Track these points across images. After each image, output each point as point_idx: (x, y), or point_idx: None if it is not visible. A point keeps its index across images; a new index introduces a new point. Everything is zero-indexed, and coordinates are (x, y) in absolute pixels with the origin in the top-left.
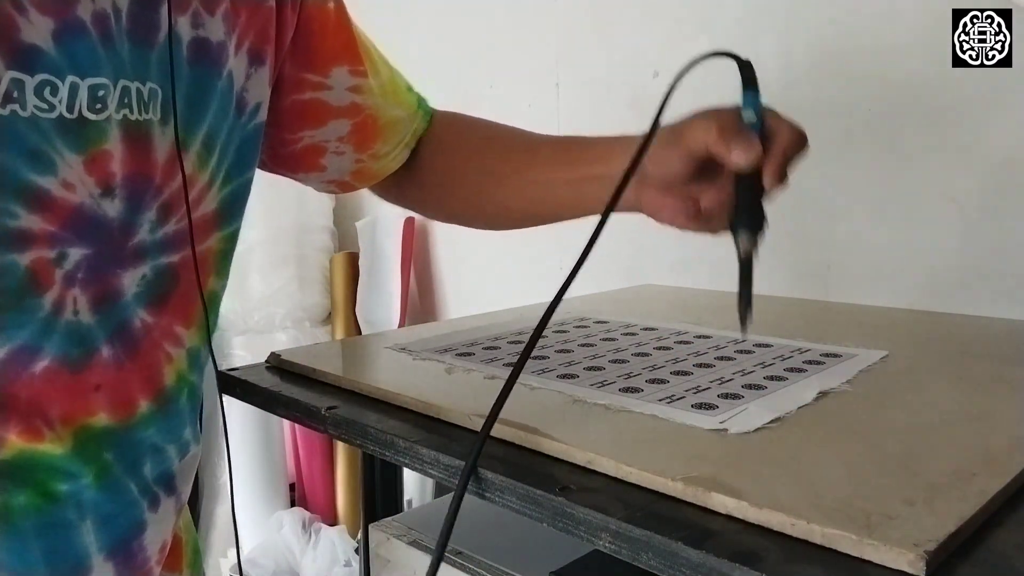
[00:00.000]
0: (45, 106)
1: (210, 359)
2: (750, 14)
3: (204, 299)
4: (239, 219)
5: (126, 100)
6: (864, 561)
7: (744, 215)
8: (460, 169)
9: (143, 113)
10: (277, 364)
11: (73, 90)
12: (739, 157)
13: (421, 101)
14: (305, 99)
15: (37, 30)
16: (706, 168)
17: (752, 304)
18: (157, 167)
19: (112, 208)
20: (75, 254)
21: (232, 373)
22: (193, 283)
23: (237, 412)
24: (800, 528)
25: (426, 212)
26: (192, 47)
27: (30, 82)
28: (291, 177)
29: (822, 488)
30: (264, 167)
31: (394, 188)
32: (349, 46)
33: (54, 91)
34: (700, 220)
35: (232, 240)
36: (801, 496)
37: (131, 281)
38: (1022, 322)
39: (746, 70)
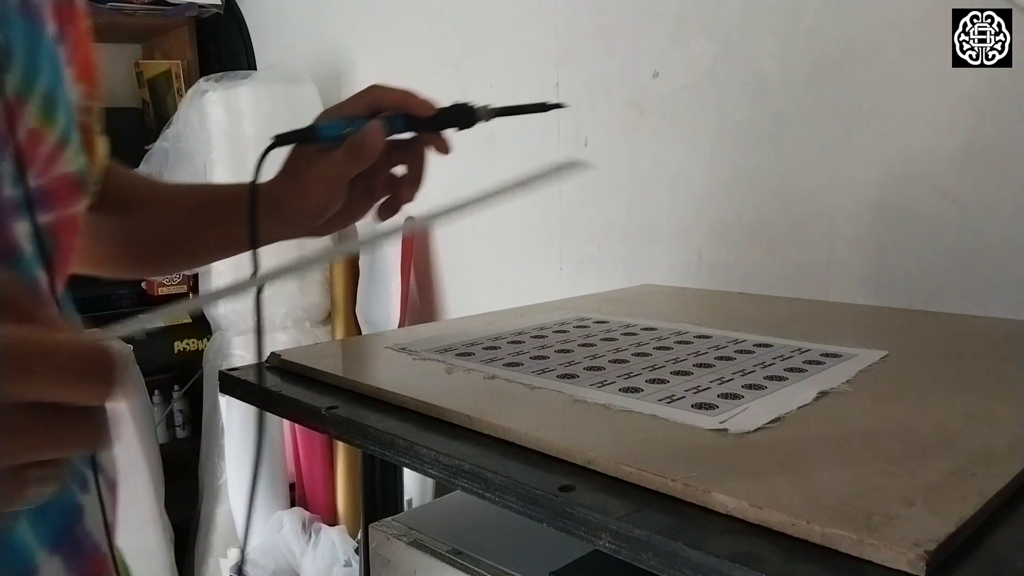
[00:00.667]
0: None
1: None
2: (750, 14)
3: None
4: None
5: None
6: (864, 561)
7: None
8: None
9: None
10: (277, 364)
11: None
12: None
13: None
14: None
15: None
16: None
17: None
18: (1, 116)
19: None
20: None
21: (232, 373)
22: (71, 247)
23: (237, 412)
24: (800, 528)
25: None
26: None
27: None
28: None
29: (822, 488)
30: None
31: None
32: (91, 68)
33: None
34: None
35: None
36: (801, 496)
37: (23, 235)
38: (1022, 322)
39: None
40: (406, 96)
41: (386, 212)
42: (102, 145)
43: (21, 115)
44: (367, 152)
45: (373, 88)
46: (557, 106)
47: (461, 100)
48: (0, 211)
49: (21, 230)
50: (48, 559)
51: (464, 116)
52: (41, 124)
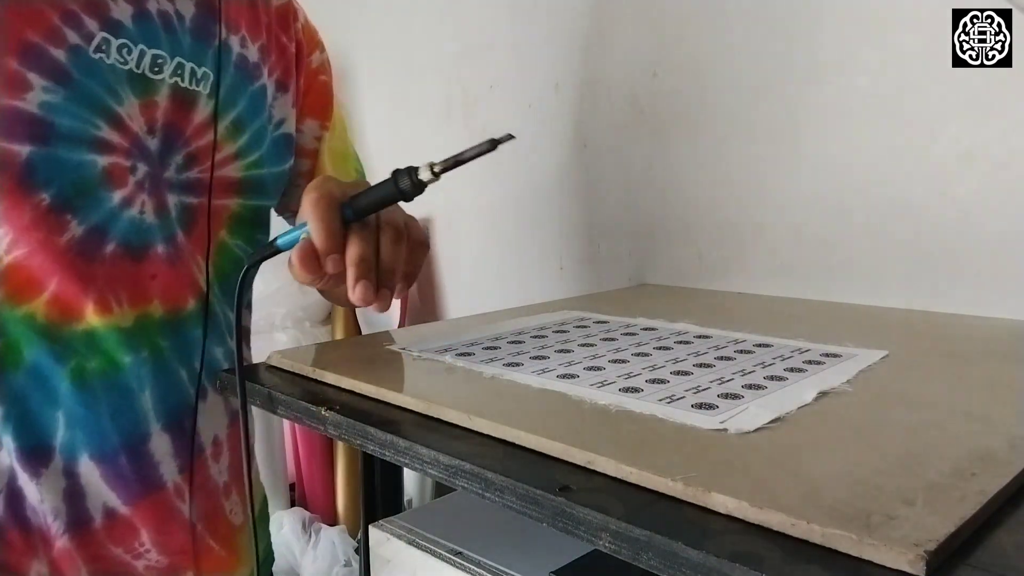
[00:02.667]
0: (122, 60)
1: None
2: (750, 14)
3: (210, 244)
4: (267, 199)
5: (179, 72)
6: (864, 561)
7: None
8: None
9: (193, 84)
10: (277, 364)
11: (141, 54)
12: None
13: (362, 180)
14: None
15: (122, 11)
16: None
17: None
18: (191, 123)
19: (152, 144)
20: (142, 169)
21: (232, 373)
22: (204, 227)
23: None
24: (800, 528)
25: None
26: (238, 58)
27: (114, 42)
28: None
29: (822, 488)
30: None
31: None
32: (326, 108)
33: (129, 52)
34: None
35: (256, 213)
36: (801, 496)
37: (172, 203)
38: (1022, 322)
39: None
40: (319, 197)
41: (369, 293)
42: (350, 177)
43: (208, 130)
44: (301, 268)
45: (309, 187)
46: (508, 138)
47: (400, 167)
48: (164, 184)
49: (171, 199)
50: (160, 433)
51: (407, 185)
52: (223, 139)
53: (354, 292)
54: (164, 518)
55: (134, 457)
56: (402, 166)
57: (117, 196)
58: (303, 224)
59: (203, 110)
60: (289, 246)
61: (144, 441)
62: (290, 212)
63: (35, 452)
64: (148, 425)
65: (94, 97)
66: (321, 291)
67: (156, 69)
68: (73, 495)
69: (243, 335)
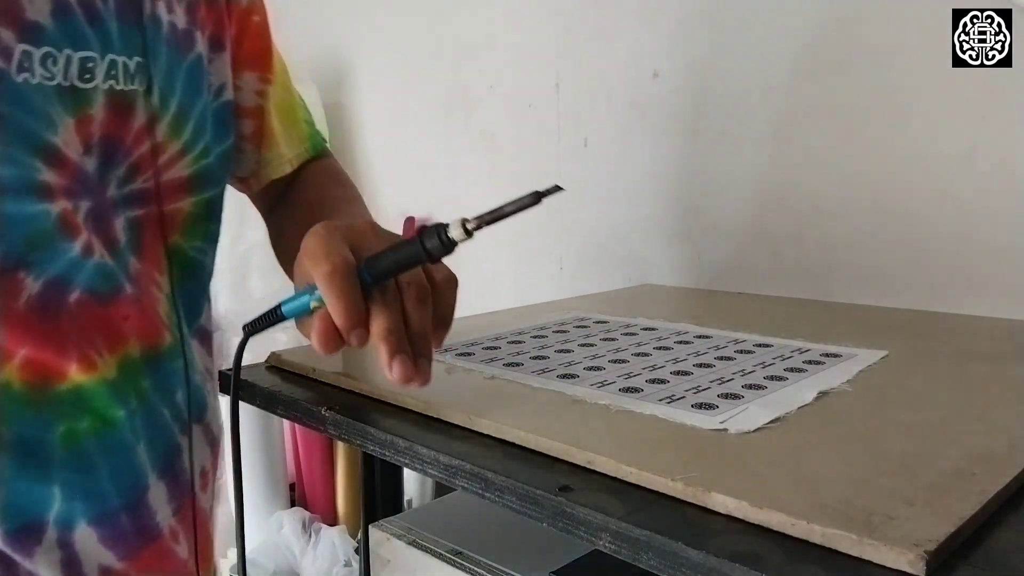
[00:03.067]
0: (48, 75)
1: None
2: (750, 14)
3: (167, 250)
4: (218, 186)
5: (113, 72)
6: (864, 561)
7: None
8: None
9: (129, 83)
10: (277, 364)
11: (68, 62)
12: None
13: (315, 136)
14: None
15: (38, 8)
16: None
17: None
18: (130, 131)
19: (90, 164)
20: (84, 205)
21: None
22: (158, 237)
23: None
24: (800, 528)
25: (272, 245)
26: (168, 31)
27: (36, 54)
28: None
29: (822, 488)
30: None
31: (267, 211)
32: (263, 56)
33: (54, 62)
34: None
35: (209, 206)
36: (801, 496)
37: (118, 226)
38: (1022, 322)
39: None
40: (330, 254)
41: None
42: (300, 134)
43: (152, 132)
44: (324, 348)
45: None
46: (555, 189)
47: (431, 222)
48: (107, 209)
49: (117, 225)
50: (156, 482)
51: (435, 245)
52: (167, 138)
53: (392, 371)
54: (160, 565)
55: (134, 513)
56: (430, 222)
57: (78, 246)
58: (310, 289)
59: (141, 112)
60: (296, 313)
61: (143, 494)
62: (236, 180)
63: (26, 532)
64: (146, 477)
65: (28, 132)
66: None
67: (87, 76)
68: (69, 563)
69: (209, 343)
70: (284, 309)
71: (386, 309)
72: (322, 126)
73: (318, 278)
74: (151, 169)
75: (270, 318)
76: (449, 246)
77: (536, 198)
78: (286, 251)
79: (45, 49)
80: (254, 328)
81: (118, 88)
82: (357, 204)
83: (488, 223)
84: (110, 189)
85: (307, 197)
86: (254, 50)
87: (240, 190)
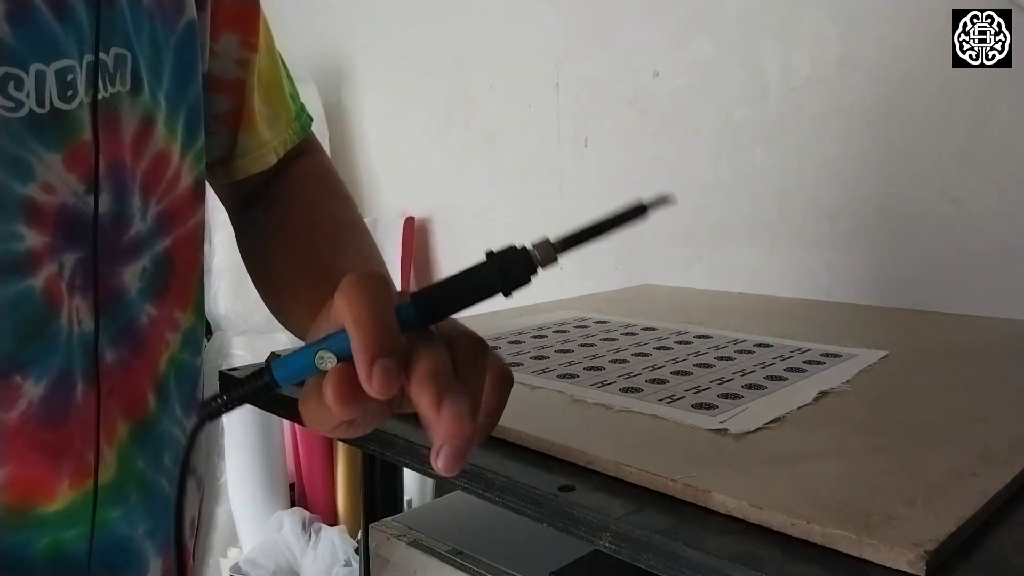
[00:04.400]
0: (12, 104)
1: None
2: (750, 14)
3: (202, 276)
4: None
5: (92, 78)
6: (864, 561)
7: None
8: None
9: (111, 86)
10: None
11: (40, 79)
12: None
13: (302, 114)
14: None
15: None
16: None
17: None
18: (126, 146)
19: (102, 204)
20: (69, 260)
21: (232, 373)
22: (188, 264)
23: (237, 412)
24: (800, 528)
25: (240, 251)
26: (150, 2)
27: None
28: None
29: (822, 488)
30: None
31: (237, 207)
32: (248, 13)
33: (19, 85)
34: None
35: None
36: (801, 496)
37: (132, 277)
38: (1022, 322)
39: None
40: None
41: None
42: (287, 114)
43: (149, 140)
44: (339, 401)
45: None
46: (664, 201)
47: (495, 249)
48: (115, 256)
49: (129, 273)
50: (155, 560)
51: (518, 275)
52: (167, 141)
53: (441, 415)
54: None
55: None
56: (497, 248)
57: (64, 322)
58: (325, 340)
59: (130, 117)
60: (293, 376)
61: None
62: None
63: None
64: (147, 564)
65: (2, 191)
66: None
67: (69, 93)
68: None
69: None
70: (278, 376)
71: (432, 353)
72: (322, 126)
73: (342, 305)
74: (159, 187)
75: (256, 387)
76: (529, 274)
77: (641, 211)
78: (269, 279)
79: (5, 69)
80: (231, 401)
81: (101, 97)
82: (361, 232)
83: (580, 243)
84: (134, 225)
85: (298, 218)
86: (238, 4)
87: None
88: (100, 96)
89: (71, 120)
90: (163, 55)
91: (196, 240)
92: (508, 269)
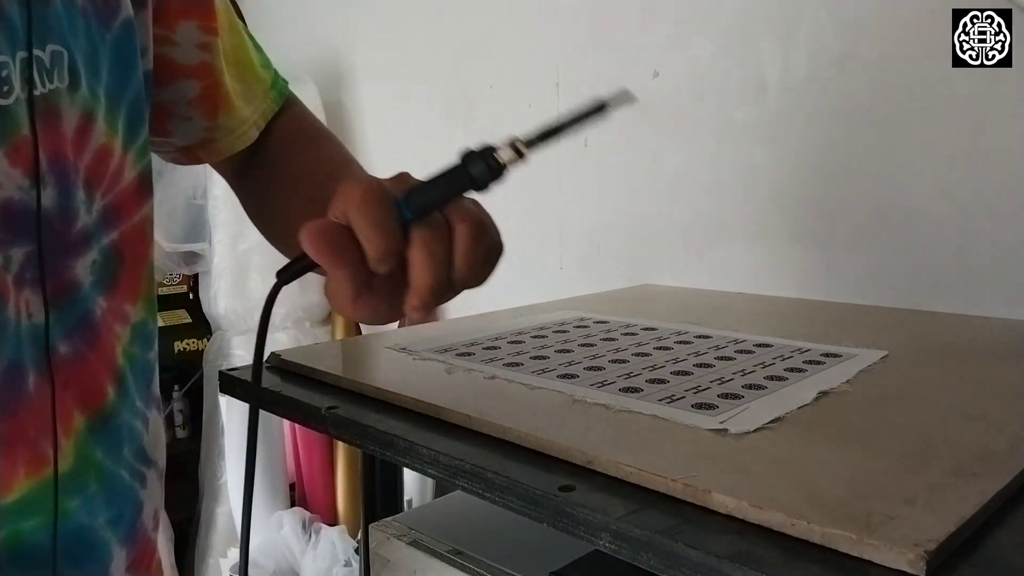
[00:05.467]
0: None
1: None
2: (750, 14)
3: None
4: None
5: (33, 70)
6: (864, 561)
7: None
8: (274, 180)
9: (49, 82)
10: (277, 364)
11: None
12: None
13: (277, 81)
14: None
15: None
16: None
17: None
18: (67, 141)
19: (46, 197)
20: (18, 254)
21: (232, 373)
22: (137, 258)
23: (237, 412)
24: (800, 528)
25: (250, 215)
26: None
27: None
28: None
29: (822, 488)
30: None
31: (235, 176)
32: (201, 2)
33: None
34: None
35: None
36: (801, 496)
37: (84, 270)
38: (1022, 322)
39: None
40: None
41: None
42: (262, 85)
43: (90, 135)
44: (341, 292)
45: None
46: (625, 98)
47: (472, 148)
48: (66, 249)
49: (81, 266)
50: (119, 551)
51: (482, 171)
52: (108, 136)
53: (417, 297)
54: None
55: None
56: (474, 147)
57: (10, 311)
58: None
59: (70, 113)
60: None
61: (105, 570)
62: (177, 151)
63: None
64: (110, 554)
65: None
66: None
67: (5, 88)
68: None
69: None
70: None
71: (431, 240)
72: None
73: (349, 206)
74: (104, 181)
75: (302, 264)
76: (498, 171)
77: (600, 107)
78: (283, 229)
79: None
80: (285, 275)
81: (38, 93)
82: (359, 166)
83: (543, 140)
84: (81, 217)
85: (296, 169)
86: None
87: (180, 161)
88: (38, 92)
89: (8, 115)
90: (100, 52)
91: (144, 234)
92: (473, 167)
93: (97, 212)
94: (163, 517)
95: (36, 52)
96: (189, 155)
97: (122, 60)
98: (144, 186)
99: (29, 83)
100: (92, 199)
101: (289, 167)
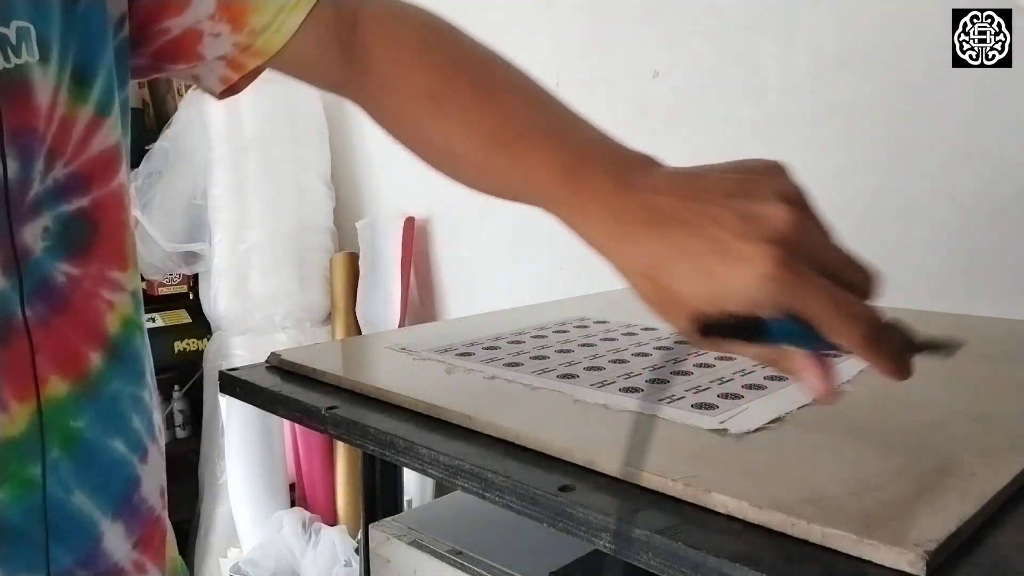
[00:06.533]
0: None
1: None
2: (750, 14)
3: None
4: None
5: None
6: (864, 561)
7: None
8: (398, 85)
9: (15, 58)
10: (277, 364)
11: None
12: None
13: None
14: None
15: None
16: None
17: None
18: (41, 114)
19: (11, 170)
20: None
21: (232, 373)
22: (116, 224)
23: (237, 412)
24: (800, 528)
25: (375, 118)
26: None
27: None
28: (173, 74)
29: (822, 488)
30: (147, 71)
31: (320, 74)
32: (231, 6)
33: None
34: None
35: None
36: (801, 496)
37: (33, 236)
38: (1022, 322)
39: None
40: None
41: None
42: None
43: (63, 105)
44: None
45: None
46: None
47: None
48: (18, 216)
49: (29, 232)
50: (112, 526)
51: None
52: (70, 108)
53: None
54: None
55: (90, 564)
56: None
57: None
58: (813, 337)
59: (43, 85)
60: (783, 341)
61: (97, 544)
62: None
63: None
64: (96, 526)
65: None
66: None
67: None
68: None
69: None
70: (773, 332)
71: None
72: (322, 126)
73: (842, 333)
74: (68, 149)
75: (743, 326)
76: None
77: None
78: (435, 145)
79: None
80: (714, 329)
81: (4, 68)
82: (506, 66)
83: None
84: (33, 187)
85: (428, 89)
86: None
87: (230, 82)
88: (1, 67)
89: None
90: (70, 24)
91: (120, 201)
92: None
93: (54, 181)
94: None
95: (1, 29)
96: (234, 65)
97: (93, 31)
98: (118, 154)
99: None
100: (51, 168)
101: (414, 84)
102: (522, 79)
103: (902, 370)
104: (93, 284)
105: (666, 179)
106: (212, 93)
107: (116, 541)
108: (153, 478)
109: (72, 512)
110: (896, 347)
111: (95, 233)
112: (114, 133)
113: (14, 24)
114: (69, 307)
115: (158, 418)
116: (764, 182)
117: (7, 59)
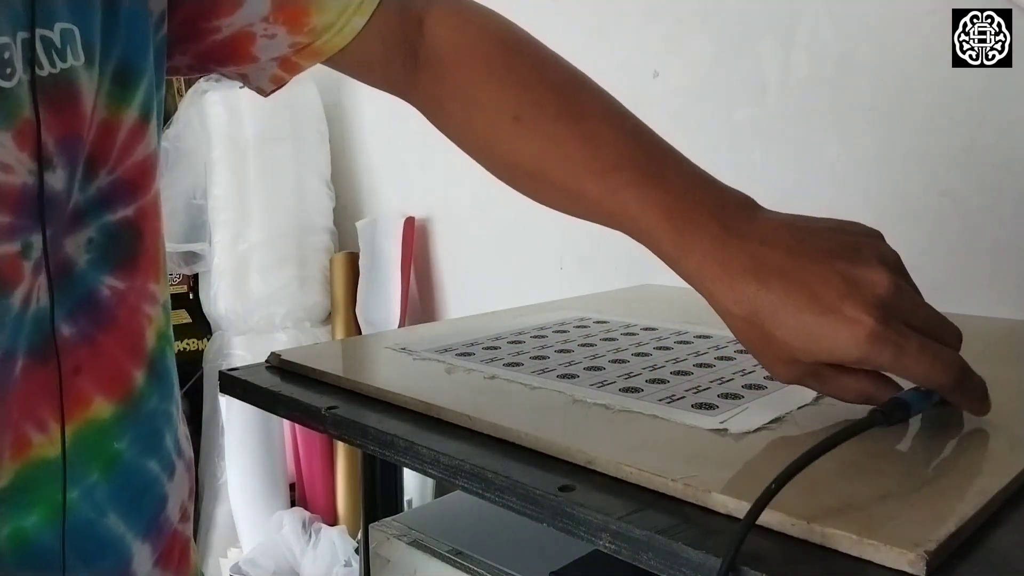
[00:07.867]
0: None
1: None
2: (749, 14)
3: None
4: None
5: (37, 50)
6: (864, 561)
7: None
8: (470, 96)
9: (60, 62)
10: (277, 364)
11: None
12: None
13: None
14: None
15: None
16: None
17: None
18: (86, 120)
19: (58, 180)
20: (38, 240)
21: (232, 373)
22: (155, 233)
23: (237, 412)
24: (800, 528)
25: (437, 124)
26: None
27: None
28: (222, 74)
29: (822, 488)
30: (188, 70)
31: (379, 75)
32: (288, 7)
33: None
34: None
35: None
36: (801, 496)
37: (76, 249)
38: (1022, 322)
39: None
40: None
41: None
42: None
43: (107, 110)
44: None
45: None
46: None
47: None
48: (64, 229)
49: (72, 244)
50: (141, 547)
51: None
52: (112, 113)
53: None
54: None
55: None
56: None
57: (18, 299)
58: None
59: (90, 89)
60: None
61: (127, 566)
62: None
63: None
64: (128, 548)
65: None
66: None
67: (8, 71)
68: None
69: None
70: (912, 404)
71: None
72: (322, 126)
73: (945, 386)
74: (110, 158)
75: (896, 410)
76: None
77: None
78: (512, 161)
79: None
80: (889, 416)
81: (46, 73)
82: (592, 88)
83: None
84: (74, 196)
85: (506, 105)
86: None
87: (279, 80)
88: (47, 72)
89: (11, 98)
90: (112, 23)
91: (157, 208)
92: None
93: (98, 190)
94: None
95: (43, 32)
96: (286, 66)
97: (136, 30)
98: (157, 161)
99: (32, 64)
100: (93, 177)
101: (495, 101)
102: (609, 103)
103: (988, 406)
104: (137, 298)
105: (773, 231)
106: (260, 92)
107: (143, 562)
108: (177, 494)
109: (104, 535)
110: (981, 388)
111: (139, 243)
112: (155, 138)
113: (58, 26)
114: (115, 323)
115: (184, 430)
116: (866, 246)
117: (52, 64)
